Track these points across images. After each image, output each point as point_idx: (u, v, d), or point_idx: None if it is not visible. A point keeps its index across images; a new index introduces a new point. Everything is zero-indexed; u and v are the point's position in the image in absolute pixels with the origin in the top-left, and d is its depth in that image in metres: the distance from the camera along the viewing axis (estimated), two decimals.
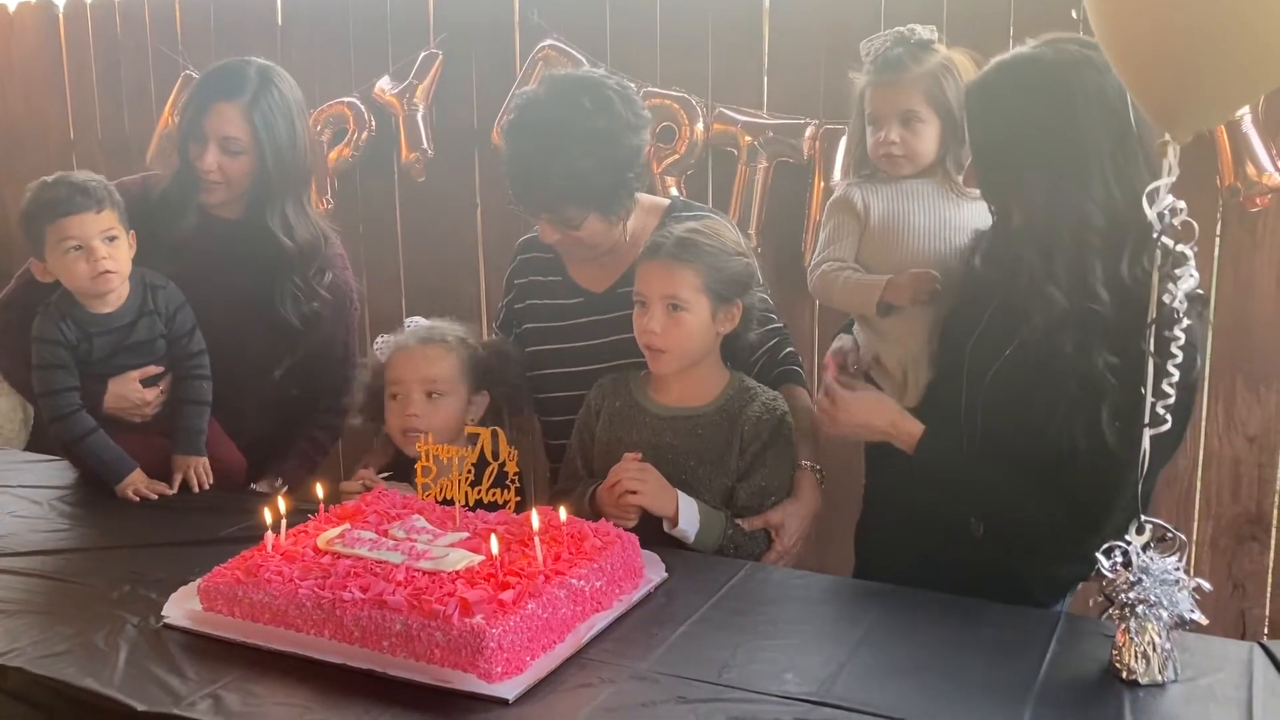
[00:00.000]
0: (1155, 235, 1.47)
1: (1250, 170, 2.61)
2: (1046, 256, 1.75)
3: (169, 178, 2.51)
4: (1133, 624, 1.49)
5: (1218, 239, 2.72)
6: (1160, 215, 1.47)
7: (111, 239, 2.23)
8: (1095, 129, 1.71)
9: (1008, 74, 1.79)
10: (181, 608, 1.73)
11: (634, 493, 1.96)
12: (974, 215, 2.04)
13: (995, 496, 1.87)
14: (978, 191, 2.05)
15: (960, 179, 2.09)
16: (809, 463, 2.16)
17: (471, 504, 1.87)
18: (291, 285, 2.47)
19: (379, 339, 2.30)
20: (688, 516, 1.98)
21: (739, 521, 2.05)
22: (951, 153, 2.08)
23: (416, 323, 2.30)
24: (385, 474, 2.21)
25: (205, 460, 2.33)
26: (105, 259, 2.21)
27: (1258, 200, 2.64)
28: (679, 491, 2.00)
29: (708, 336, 2.06)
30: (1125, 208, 1.67)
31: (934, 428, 1.93)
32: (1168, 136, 1.46)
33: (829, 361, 2.14)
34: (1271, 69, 1.42)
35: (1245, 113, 2.59)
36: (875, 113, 2.07)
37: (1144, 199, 1.48)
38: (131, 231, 2.28)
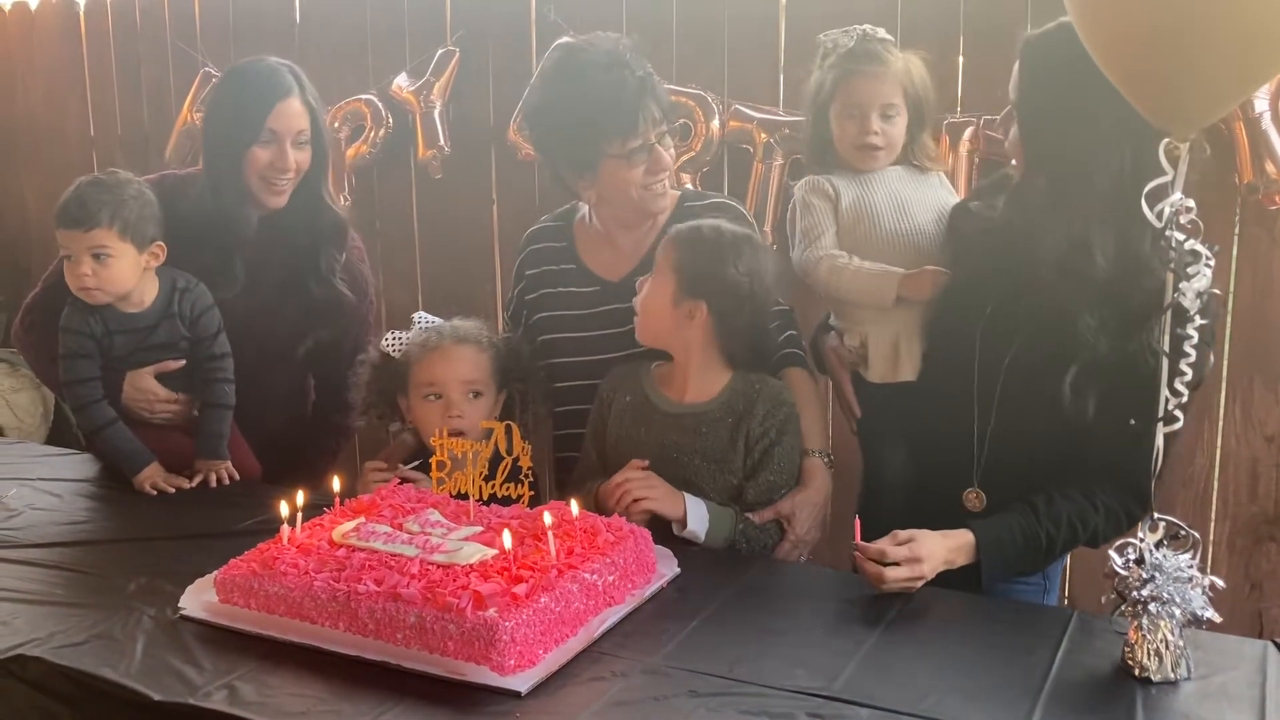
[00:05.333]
0: (1162, 233, 1.47)
1: (1269, 168, 2.59)
2: (1065, 220, 1.77)
3: (196, 177, 2.51)
4: (1145, 621, 1.49)
5: (1236, 238, 2.70)
6: (1164, 213, 1.46)
7: (100, 256, 2.22)
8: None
9: (1070, 37, 1.78)
10: (198, 599, 1.74)
11: (642, 499, 1.96)
12: (930, 194, 2.17)
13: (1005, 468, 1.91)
14: (935, 172, 2.21)
15: (923, 159, 2.19)
16: (817, 449, 2.14)
17: (485, 498, 1.88)
18: (332, 257, 2.52)
19: (390, 335, 2.27)
20: (697, 517, 1.98)
21: (749, 515, 2.05)
22: (914, 140, 2.17)
23: (425, 318, 2.28)
24: (414, 463, 2.19)
25: (228, 464, 2.35)
26: (85, 275, 2.23)
27: (1276, 198, 2.62)
28: (685, 494, 2.00)
29: (666, 318, 2.05)
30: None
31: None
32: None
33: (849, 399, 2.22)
34: (1262, 62, 1.40)
35: (1264, 110, 2.58)
36: (855, 104, 2.13)
37: (1142, 199, 1.48)
38: (159, 244, 2.29)
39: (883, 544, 1.75)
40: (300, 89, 2.41)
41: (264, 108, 2.38)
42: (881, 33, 2.13)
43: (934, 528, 1.81)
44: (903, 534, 1.76)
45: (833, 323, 2.25)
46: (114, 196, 2.23)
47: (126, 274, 2.26)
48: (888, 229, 2.13)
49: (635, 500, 1.96)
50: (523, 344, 2.32)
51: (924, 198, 2.16)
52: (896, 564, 1.73)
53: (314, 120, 2.43)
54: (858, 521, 1.81)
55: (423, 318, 2.29)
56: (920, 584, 1.74)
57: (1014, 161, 1.96)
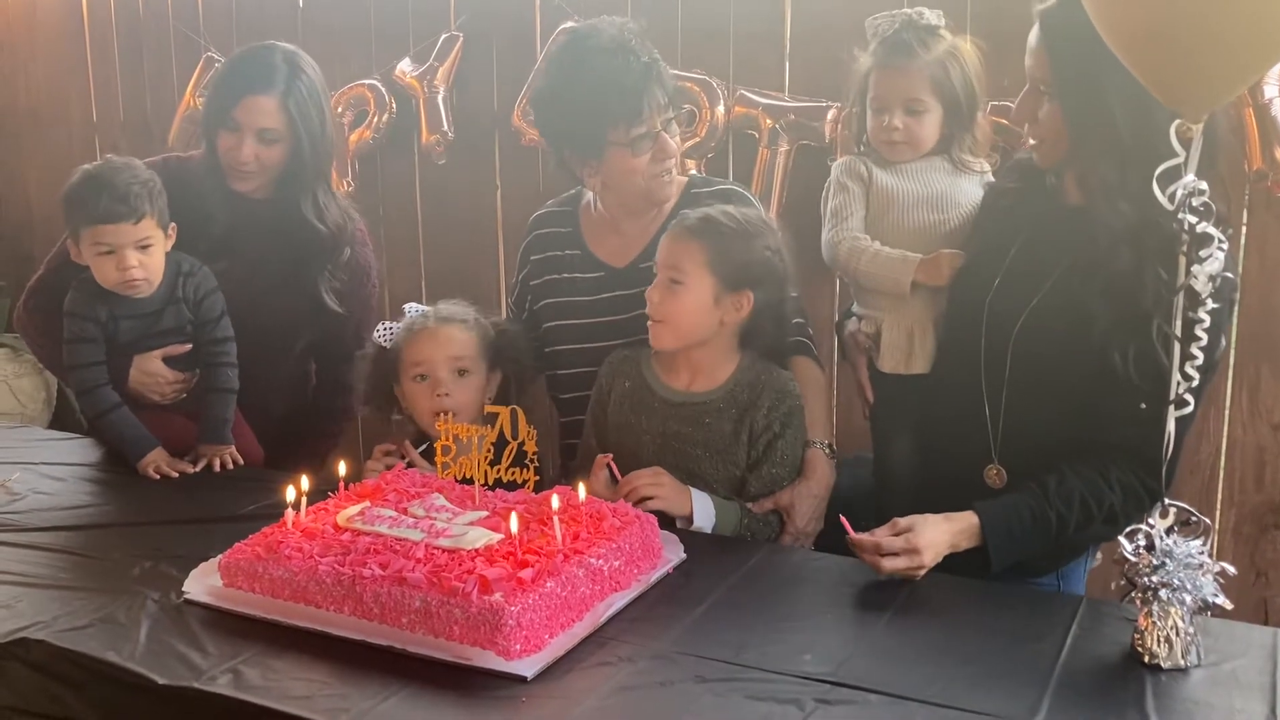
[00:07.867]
0: (1175, 216, 1.46)
1: (1278, 154, 2.58)
2: (1121, 169, 1.74)
3: (196, 160, 2.52)
4: (1155, 608, 1.48)
5: (1244, 224, 2.69)
6: (1177, 195, 1.44)
7: (146, 246, 2.22)
8: None
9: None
10: (202, 583, 1.74)
11: (650, 497, 1.94)
12: (969, 190, 2.14)
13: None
14: (977, 167, 2.16)
15: (964, 155, 2.15)
16: (819, 440, 2.12)
17: (491, 483, 1.88)
18: (327, 270, 2.50)
19: (380, 327, 2.26)
20: (702, 513, 1.97)
21: (749, 505, 2.03)
22: (954, 135, 2.14)
23: (415, 309, 2.27)
24: (421, 446, 2.19)
25: (232, 448, 2.34)
26: (134, 267, 2.21)
27: None
28: (692, 489, 1.98)
29: (707, 318, 2.00)
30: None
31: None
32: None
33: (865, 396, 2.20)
34: (1274, 40, 1.37)
35: (1274, 96, 2.56)
36: (879, 97, 2.13)
37: (1154, 182, 1.46)
38: (172, 225, 2.29)
39: (880, 534, 1.74)
40: (285, 89, 2.38)
41: (234, 96, 2.38)
42: (930, 18, 2.09)
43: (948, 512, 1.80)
44: (902, 522, 1.75)
45: (855, 309, 2.24)
46: (144, 186, 2.22)
47: (161, 259, 2.27)
48: (919, 220, 2.12)
49: (643, 499, 1.94)
50: (514, 326, 2.33)
51: (961, 193, 2.13)
52: (895, 554, 1.72)
53: (293, 124, 2.39)
54: (843, 519, 1.79)
55: (413, 308, 2.29)
56: (922, 572, 1.73)
57: (1033, 141, 1.92)
